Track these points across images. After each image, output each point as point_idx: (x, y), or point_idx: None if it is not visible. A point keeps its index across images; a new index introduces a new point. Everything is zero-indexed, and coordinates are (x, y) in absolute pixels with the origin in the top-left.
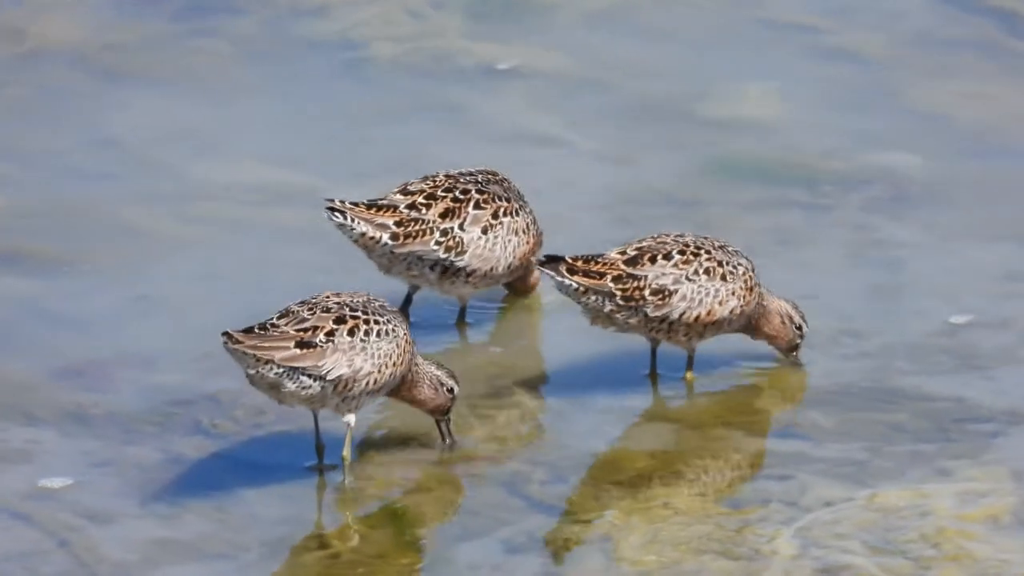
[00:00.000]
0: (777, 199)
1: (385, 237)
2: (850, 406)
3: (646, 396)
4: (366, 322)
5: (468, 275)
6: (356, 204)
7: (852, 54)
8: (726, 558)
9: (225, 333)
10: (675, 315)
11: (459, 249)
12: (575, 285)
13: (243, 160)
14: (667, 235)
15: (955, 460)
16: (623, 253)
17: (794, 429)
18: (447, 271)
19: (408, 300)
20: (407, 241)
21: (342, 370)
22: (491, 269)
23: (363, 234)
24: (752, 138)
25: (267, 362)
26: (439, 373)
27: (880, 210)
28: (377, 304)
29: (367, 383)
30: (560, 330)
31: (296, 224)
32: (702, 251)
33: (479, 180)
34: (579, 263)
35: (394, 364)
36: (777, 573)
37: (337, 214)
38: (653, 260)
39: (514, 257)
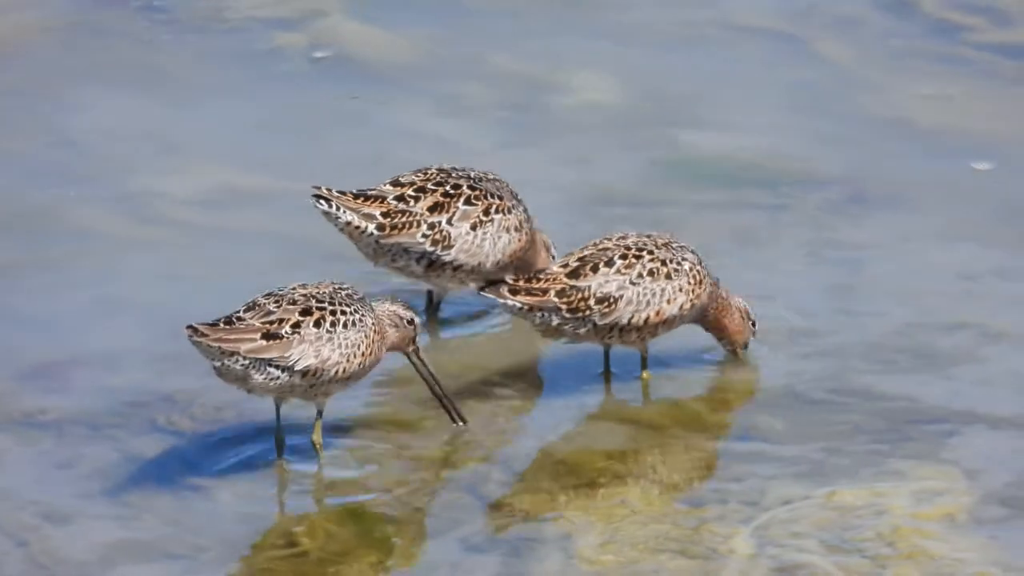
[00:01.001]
0: (736, 200)
1: (371, 227)
2: (807, 406)
3: (604, 396)
4: (332, 313)
5: (455, 269)
6: (343, 193)
7: (812, 56)
8: (683, 557)
9: (190, 326)
10: (624, 320)
11: (446, 243)
12: (519, 305)
13: (203, 162)
14: (609, 239)
15: (911, 459)
16: (565, 266)
17: (751, 429)
18: (433, 264)
19: (430, 302)
20: (393, 232)
21: (309, 360)
22: (478, 265)
23: (348, 223)
24: (712, 139)
25: (232, 354)
26: (395, 308)
27: (838, 211)
28: (344, 294)
29: (336, 372)
30: (518, 330)
31: (255, 226)
32: (644, 252)
33: (472, 176)
34: (520, 283)
35: (363, 354)
36: (734, 572)
37: (323, 201)
38: (595, 269)
39: (503, 255)
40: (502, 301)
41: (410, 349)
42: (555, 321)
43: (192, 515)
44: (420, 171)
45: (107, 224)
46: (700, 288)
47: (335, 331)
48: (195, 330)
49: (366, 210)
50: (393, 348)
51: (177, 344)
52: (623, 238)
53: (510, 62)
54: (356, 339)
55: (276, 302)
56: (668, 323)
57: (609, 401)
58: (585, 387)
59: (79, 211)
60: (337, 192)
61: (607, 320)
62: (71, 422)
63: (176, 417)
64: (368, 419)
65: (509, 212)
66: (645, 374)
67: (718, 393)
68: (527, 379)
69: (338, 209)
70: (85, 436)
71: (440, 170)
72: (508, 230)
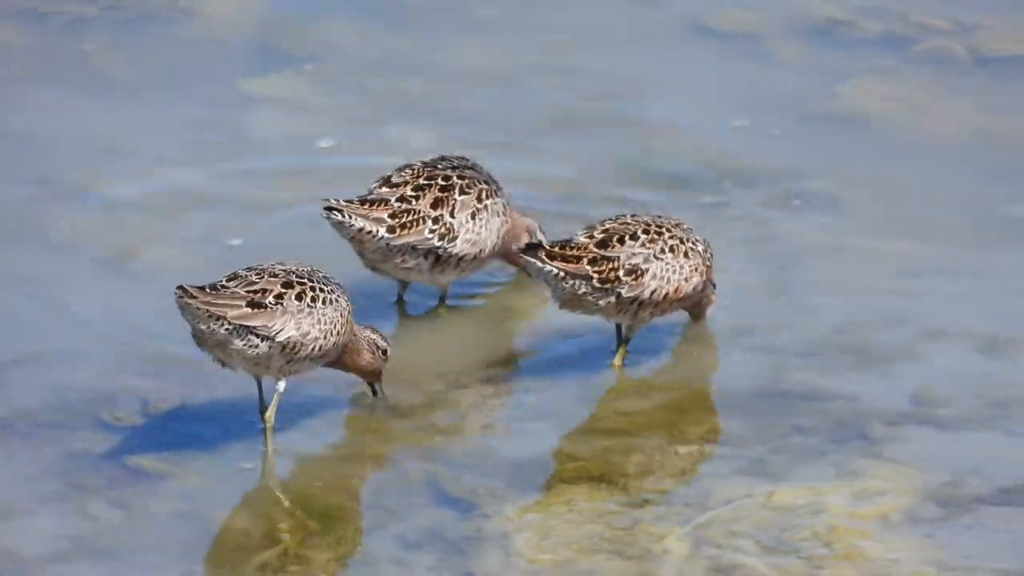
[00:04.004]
0: (678, 198)
1: (382, 231)
2: (748, 404)
3: (554, 396)
4: (312, 288)
5: (459, 261)
6: (350, 201)
7: (752, 55)
8: (620, 557)
9: (179, 287)
10: (646, 294)
11: (451, 236)
12: (555, 271)
13: (145, 162)
14: (623, 216)
15: (850, 458)
16: (591, 237)
17: (694, 428)
18: (440, 259)
19: (400, 299)
20: (403, 232)
21: (291, 332)
22: (479, 252)
23: (360, 229)
24: (654, 138)
25: (219, 319)
26: (374, 337)
27: (779, 209)
28: (321, 275)
29: (313, 348)
30: (482, 325)
31: (197, 227)
32: (663, 230)
33: (455, 166)
34: (556, 249)
35: (337, 333)
36: (670, 573)
37: (335, 213)
38: (622, 241)
39: (498, 238)
40: (540, 265)
41: (375, 383)
42: (582, 290)
43: (139, 511)
44: (405, 169)
45: (45, 223)
46: (710, 271)
47: (315, 306)
48: (185, 291)
49: (375, 215)
50: (359, 371)
51: (120, 342)
52: (636, 216)
53: (454, 59)
54: (333, 317)
55: (258, 274)
56: (680, 301)
57: (559, 401)
58: (536, 388)
59: (19, 210)
60: (345, 201)
61: (633, 292)
62: (15, 420)
63: (121, 414)
64: (317, 413)
65: (496, 195)
66: (617, 360)
67: (661, 394)
68: (482, 376)
69: (350, 217)
70: (29, 433)
71: (424, 164)
72: (498, 214)
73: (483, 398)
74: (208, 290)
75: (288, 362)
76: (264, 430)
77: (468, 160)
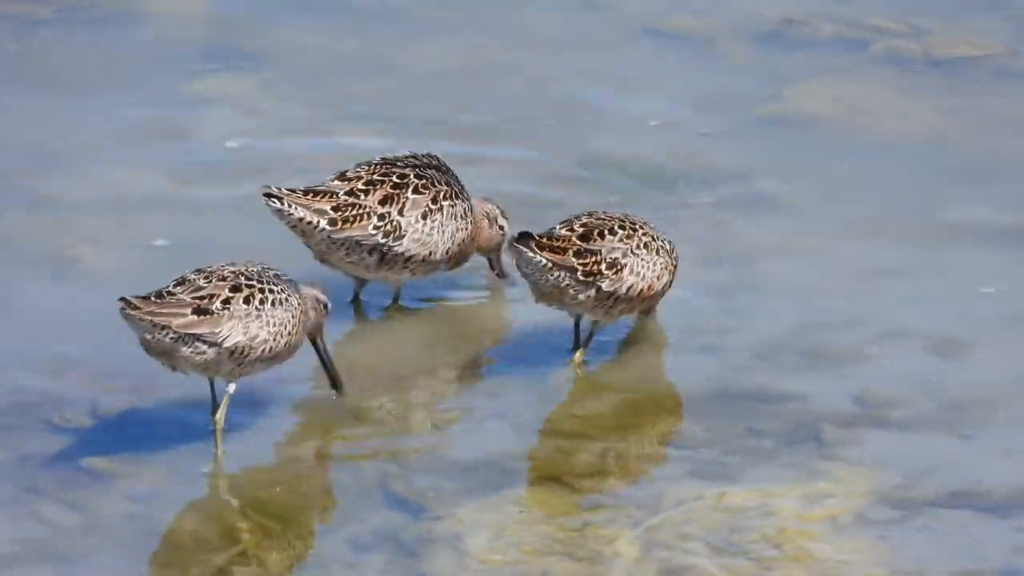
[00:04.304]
0: (633, 199)
1: (323, 222)
2: (701, 406)
3: (507, 397)
4: (261, 291)
5: (406, 260)
6: (293, 190)
7: (709, 57)
8: (571, 559)
9: (122, 299)
10: (623, 289)
11: (397, 234)
12: (544, 261)
13: (96, 163)
14: (595, 212)
15: (802, 460)
16: (571, 230)
17: (646, 429)
18: (385, 257)
19: (356, 297)
20: (345, 226)
21: (238, 338)
22: (429, 254)
23: (301, 219)
24: (609, 139)
25: (163, 328)
26: (316, 292)
27: (734, 210)
28: (272, 273)
29: (262, 351)
30: (421, 326)
31: (149, 228)
32: (637, 226)
33: (418, 165)
34: (544, 240)
35: (289, 333)
36: (620, 574)
37: (274, 200)
38: (602, 235)
39: (452, 243)
40: (530, 255)
41: (317, 335)
42: (566, 282)
43: (91, 514)
44: (363, 164)
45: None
46: (676, 270)
47: (263, 308)
48: (128, 303)
49: (316, 206)
50: (307, 331)
51: (67, 345)
52: (607, 212)
53: (407, 60)
54: (283, 318)
55: (206, 278)
56: (650, 299)
57: (512, 402)
58: (491, 387)
59: None
60: (287, 190)
61: (613, 287)
62: None
63: (71, 415)
64: (268, 414)
65: (456, 198)
66: (578, 356)
67: (614, 395)
68: (435, 377)
69: (289, 206)
70: None
71: (384, 160)
72: (455, 217)
73: (435, 399)
74: (153, 298)
75: (238, 365)
76: (214, 431)
77: (437, 159)
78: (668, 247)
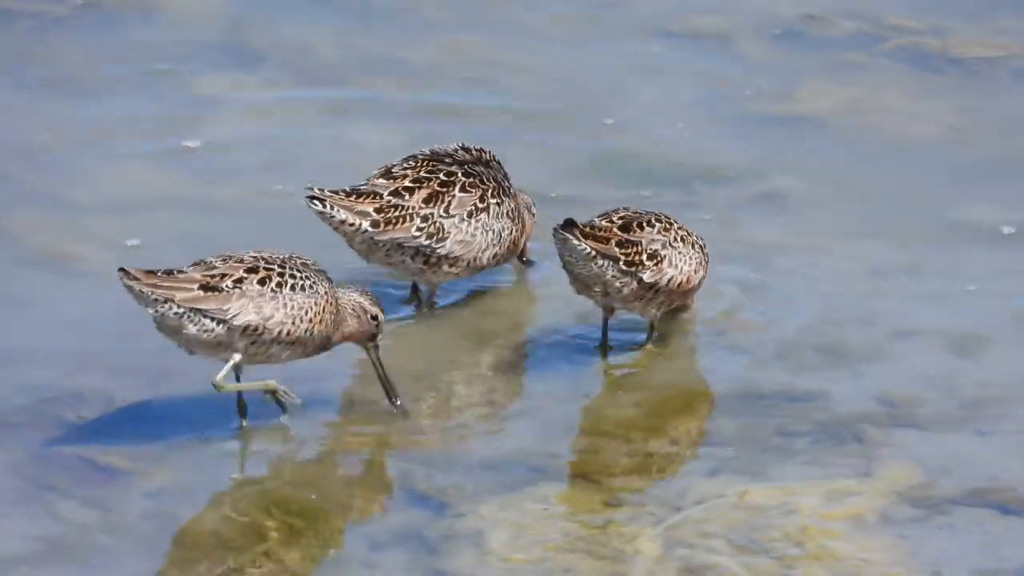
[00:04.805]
0: (648, 198)
1: (365, 224)
2: (723, 405)
3: (531, 395)
4: (280, 275)
5: (451, 263)
6: (336, 192)
7: (728, 54)
8: (593, 557)
9: (121, 269)
10: (664, 280)
11: (440, 236)
12: (588, 249)
13: (110, 160)
14: (625, 208)
15: (823, 459)
16: (611, 221)
17: (668, 428)
18: (428, 259)
19: (415, 295)
20: (387, 228)
21: (249, 316)
22: (474, 259)
23: (343, 221)
24: (624, 137)
25: (166, 302)
26: (362, 300)
27: (749, 209)
28: (299, 262)
29: (279, 332)
30: (448, 324)
31: (162, 227)
32: (672, 220)
33: (466, 161)
34: (588, 228)
35: (311, 320)
36: (642, 573)
37: (316, 202)
38: (641, 227)
39: (499, 245)
40: (575, 242)
41: (369, 345)
42: (609, 272)
43: (108, 511)
44: (410, 159)
45: (9, 223)
46: (705, 270)
47: (280, 291)
48: (126, 273)
49: (359, 207)
50: (350, 339)
51: (81, 342)
52: (636, 210)
53: (416, 58)
54: (304, 303)
55: (224, 260)
56: (685, 295)
57: (536, 400)
58: (515, 385)
59: None
60: (330, 191)
61: (654, 278)
62: None
63: (86, 412)
64: (290, 411)
65: (504, 196)
66: (650, 346)
67: (635, 394)
68: (459, 375)
69: (332, 208)
70: None
71: (433, 155)
72: (502, 216)
73: (459, 397)
74: (160, 273)
75: (252, 344)
76: (239, 426)
77: (487, 153)
78: (701, 242)
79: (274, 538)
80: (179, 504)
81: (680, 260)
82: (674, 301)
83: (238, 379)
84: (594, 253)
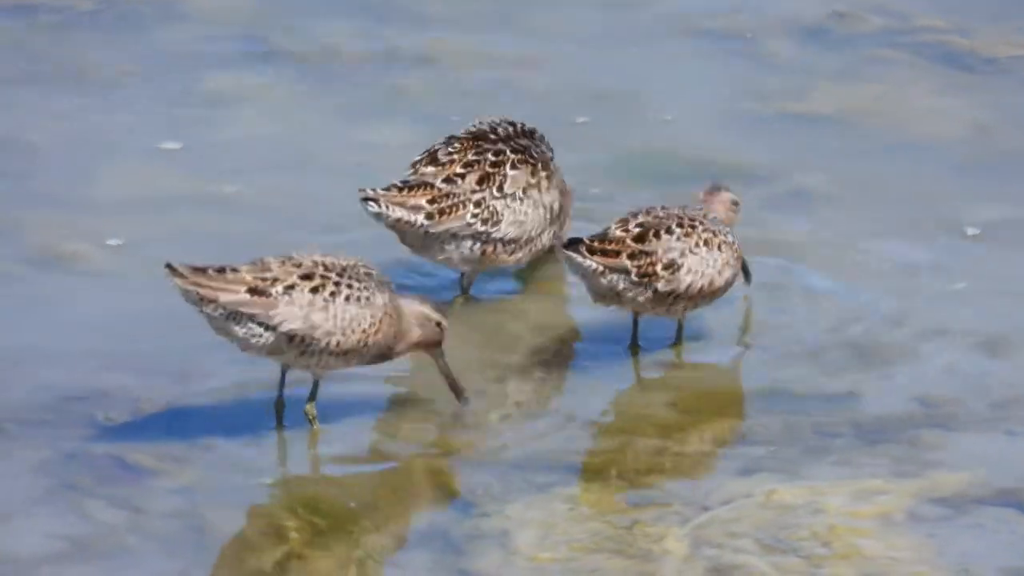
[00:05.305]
0: (672, 198)
1: (420, 219)
2: (749, 404)
3: (556, 393)
4: (336, 284)
5: (506, 244)
6: (388, 189)
7: (751, 54)
8: (621, 556)
9: (168, 265)
10: (682, 288)
11: (495, 219)
12: (595, 266)
13: (134, 162)
14: (654, 208)
15: (850, 458)
16: (626, 230)
17: (694, 427)
18: (484, 244)
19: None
20: (442, 219)
21: (295, 324)
22: (529, 238)
23: (399, 219)
24: (647, 137)
25: (211, 302)
26: (424, 308)
27: (774, 208)
28: (362, 271)
29: (328, 343)
30: (476, 321)
31: (181, 225)
32: (696, 223)
33: (510, 135)
34: (595, 243)
35: (364, 331)
36: (670, 572)
37: (372, 203)
38: (658, 235)
39: (552, 214)
40: (580, 260)
41: (435, 351)
42: (621, 285)
43: (136, 511)
44: (453, 140)
45: (27, 224)
46: (739, 263)
47: (333, 301)
48: (172, 269)
49: (412, 202)
50: (416, 348)
51: (108, 342)
52: (666, 208)
53: (437, 57)
54: (358, 314)
55: (281, 263)
56: (714, 294)
57: (561, 398)
58: (541, 383)
59: (5, 210)
60: (382, 191)
61: (670, 287)
62: (4, 420)
63: (115, 413)
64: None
65: (552, 170)
66: (679, 345)
67: (662, 392)
68: (486, 373)
69: (387, 208)
70: (20, 434)
71: (474, 137)
72: (549, 190)
73: (486, 395)
74: (211, 271)
75: (302, 355)
76: (307, 419)
77: (518, 125)
78: (730, 239)
79: (301, 538)
80: (206, 504)
81: (702, 265)
82: (700, 302)
83: (283, 379)
84: (602, 269)
